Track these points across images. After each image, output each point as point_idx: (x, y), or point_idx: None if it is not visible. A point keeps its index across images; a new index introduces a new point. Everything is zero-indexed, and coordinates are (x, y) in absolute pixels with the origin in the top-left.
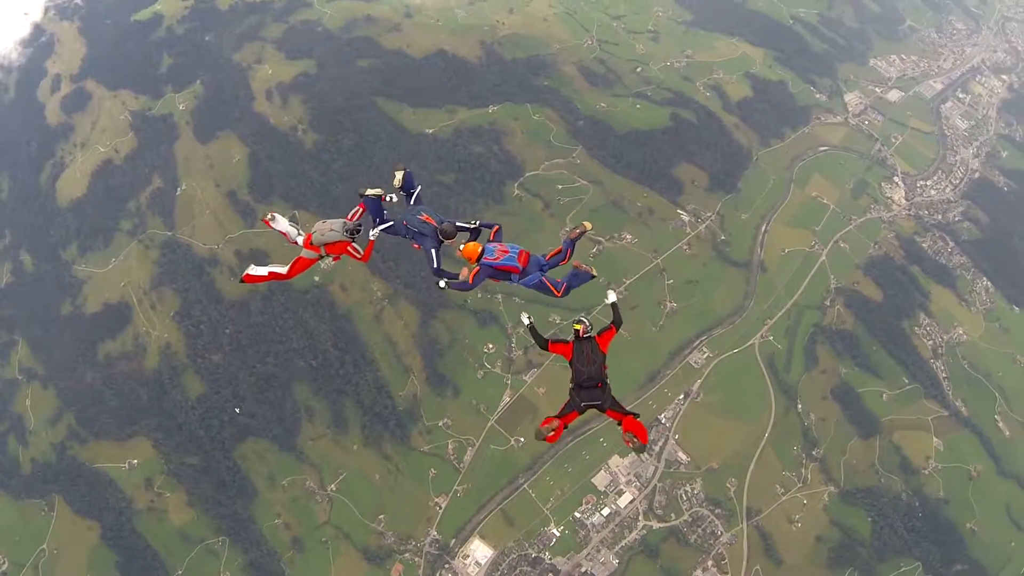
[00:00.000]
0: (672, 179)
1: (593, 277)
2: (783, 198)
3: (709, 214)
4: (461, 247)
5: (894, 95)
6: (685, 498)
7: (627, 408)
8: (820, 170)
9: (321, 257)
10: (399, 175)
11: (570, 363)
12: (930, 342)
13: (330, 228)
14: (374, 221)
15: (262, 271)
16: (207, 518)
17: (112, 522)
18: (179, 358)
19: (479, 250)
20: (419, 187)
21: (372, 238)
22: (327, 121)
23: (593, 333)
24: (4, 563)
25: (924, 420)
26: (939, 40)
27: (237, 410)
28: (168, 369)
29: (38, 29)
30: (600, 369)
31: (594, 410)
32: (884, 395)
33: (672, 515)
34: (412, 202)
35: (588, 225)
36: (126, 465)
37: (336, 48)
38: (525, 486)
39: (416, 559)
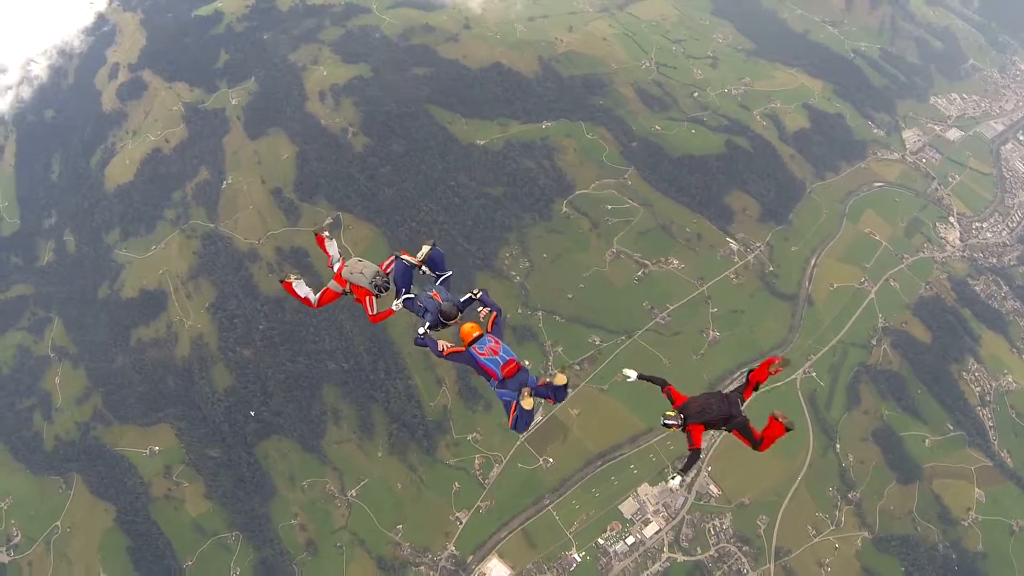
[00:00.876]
0: (723, 207)
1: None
2: (835, 233)
3: (758, 244)
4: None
5: (953, 134)
6: (713, 532)
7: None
8: (874, 206)
9: (345, 293)
10: (426, 249)
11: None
12: (978, 388)
13: (360, 271)
14: (399, 290)
15: (301, 290)
16: (223, 512)
17: (128, 506)
18: (210, 349)
19: (473, 336)
20: (451, 273)
21: (395, 310)
22: (378, 126)
23: (679, 416)
24: (17, 536)
25: (967, 469)
26: (1002, 81)
27: (252, 412)
28: (198, 360)
29: (101, 18)
30: (711, 402)
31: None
32: (927, 440)
33: (698, 549)
34: (438, 283)
35: (563, 379)
36: (147, 451)
37: (393, 54)
38: (550, 507)
39: (431, 573)
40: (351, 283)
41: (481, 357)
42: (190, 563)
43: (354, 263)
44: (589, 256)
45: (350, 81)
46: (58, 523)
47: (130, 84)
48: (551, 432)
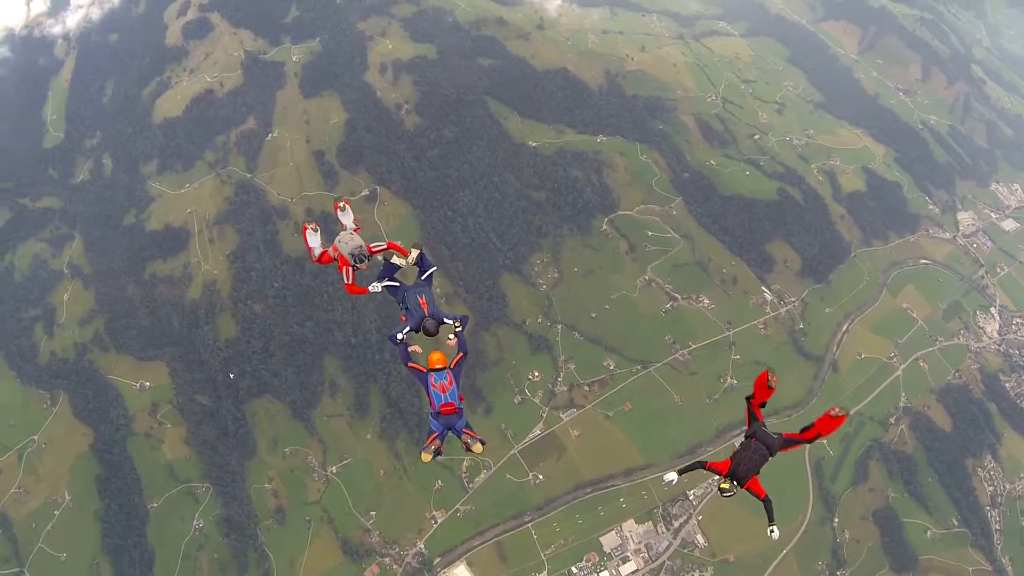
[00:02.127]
0: (764, 254)
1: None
2: (872, 302)
3: (793, 299)
4: (429, 352)
5: (1009, 224)
6: None
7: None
8: (916, 282)
9: (334, 260)
10: (414, 254)
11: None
12: (990, 488)
13: (347, 242)
14: (381, 277)
15: (312, 240)
16: (199, 461)
17: (107, 435)
18: (221, 297)
19: (436, 367)
20: (433, 268)
21: (372, 291)
22: (433, 108)
23: (726, 478)
24: None
25: (964, 569)
26: None
27: (231, 375)
28: (207, 304)
29: None
30: (754, 456)
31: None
32: (929, 532)
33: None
34: (423, 278)
35: (479, 449)
36: (138, 385)
37: (461, 41)
38: (529, 525)
39: (395, 566)
40: (340, 251)
41: (432, 388)
42: (155, 505)
43: (345, 234)
44: (620, 279)
45: (413, 59)
46: (35, 437)
47: (197, 23)
48: (546, 448)
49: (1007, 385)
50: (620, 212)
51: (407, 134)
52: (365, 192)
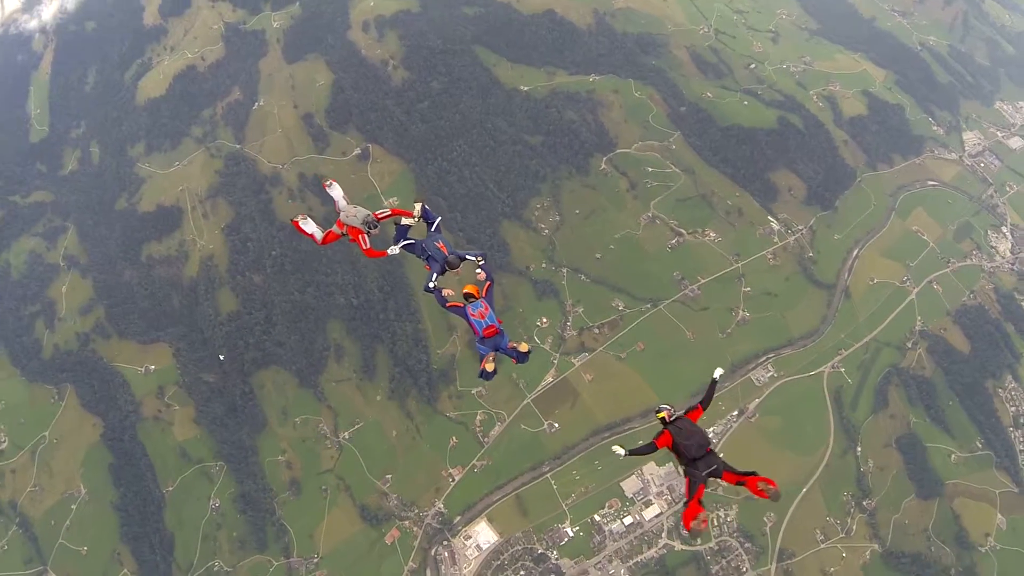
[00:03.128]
0: (768, 184)
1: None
2: (881, 226)
3: (801, 227)
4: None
5: (1016, 142)
6: (716, 524)
7: (741, 469)
8: (925, 204)
9: (343, 235)
10: (417, 208)
11: (674, 447)
12: (1013, 409)
13: (354, 215)
14: (397, 239)
15: (308, 227)
16: (209, 440)
17: (116, 423)
18: (219, 271)
19: (470, 294)
20: (439, 219)
21: (391, 253)
22: (420, 61)
23: (680, 413)
24: (4, 442)
25: (991, 492)
26: None
27: (221, 357)
28: (206, 280)
29: None
30: (704, 437)
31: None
32: (952, 456)
33: (698, 539)
34: (433, 230)
35: (526, 347)
36: (143, 369)
37: None
38: (548, 475)
39: (415, 528)
40: (347, 225)
41: (471, 316)
42: (170, 488)
43: (349, 208)
44: (623, 217)
45: (397, 14)
46: (46, 433)
47: (173, 0)
48: (560, 395)
49: (1023, 304)
50: (618, 150)
51: (395, 89)
52: (357, 151)
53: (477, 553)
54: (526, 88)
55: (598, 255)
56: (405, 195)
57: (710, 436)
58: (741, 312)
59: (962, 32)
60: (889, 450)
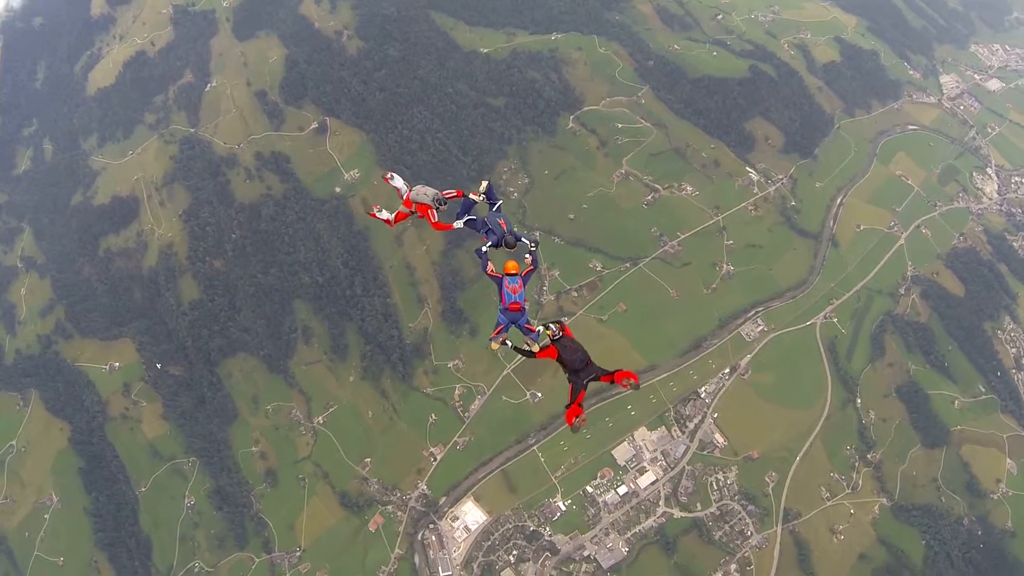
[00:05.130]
0: (744, 133)
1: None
2: (863, 172)
3: (781, 176)
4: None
5: (994, 84)
6: (716, 487)
7: (611, 369)
8: (907, 149)
9: (412, 212)
10: (484, 184)
11: (559, 360)
12: (1013, 350)
13: (424, 192)
14: (460, 215)
15: (382, 215)
16: (180, 435)
17: (84, 426)
18: (179, 260)
19: (511, 272)
20: (500, 202)
21: (455, 226)
22: (375, 29)
23: (554, 331)
24: None
25: (998, 436)
26: None
27: (158, 365)
28: (166, 270)
29: None
30: (584, 352)
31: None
32: (956, 402)
33: (698, 505)
34: (495, 209)
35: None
36: (107, 367)
37: None
38: (535, 448)
39: (399, 513)
40: (416, 202)
41: (506, 288)
42: (143, 489)
43: (418, 188)
44: (595, 176)
45: None
46: (13, 442)
47: None
48: (541, 364)
49: (1014, 244)
50: (586, 108)
51: (351, 60)
52: (314, 125)
53: (466, 535)
54: (486, 50)
55: (571, 216)
56: (365, 165)
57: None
58: (725, 266)
59: None
60: (890, 400)
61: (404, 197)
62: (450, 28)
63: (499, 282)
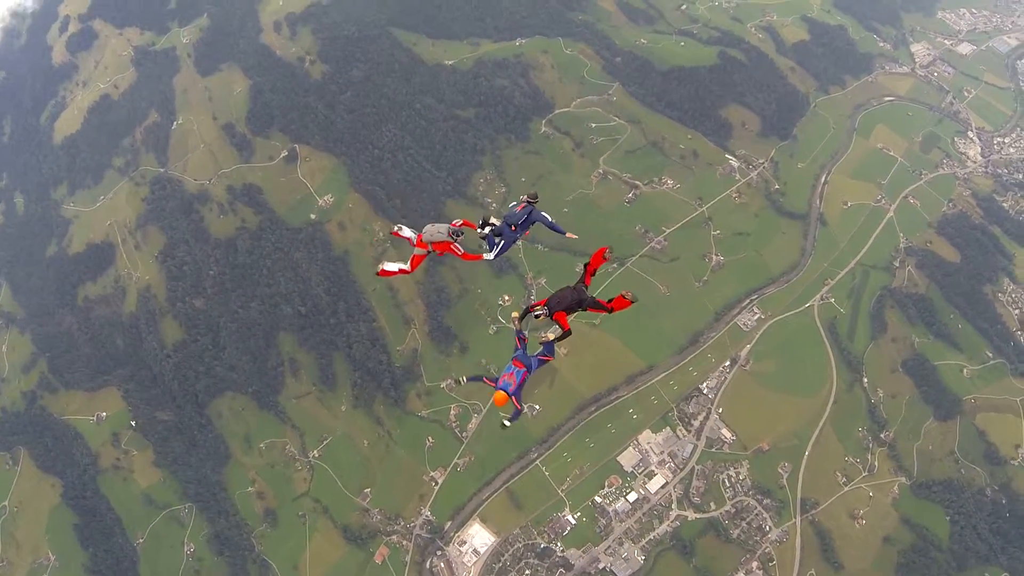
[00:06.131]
0: (720, 121)
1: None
2: (844, 148)
3: (761, 161)
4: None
5: (965, 48)
6: (728, 484)
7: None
8: (886, 120)
9: (429, 252)
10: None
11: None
12: (1016, 311)
13: (437, 231)
14: (490, 247)
15: (393, 267)
16: (174, 481)
17: (75, 480)
18: (158, 302)
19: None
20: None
21: (488, 257)
22: (337, 52)
23: (544, 312)
24: None
25: (1012, 401)
26: None
27: (132, 423)
28: (146, 314)
29: None
30: (572, 294)
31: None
32: (965, 370)
33: (712, 504)
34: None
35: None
36: (94, 418)
37: None
38: (538, 462)
39: (404, 542)
40: (432, 242)
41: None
42: (141, 540)
43: (428, 228)
44: (573, 178)
45: (307, 8)
46: (5, 503)
47: (80, 35)
48: (536, 375)
49: (1004, 204)
50: (557, 111)
51: (315, 85)
52: (284, 153)
53: (475, 558)
54: (451, 62)
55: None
56: (338, 190)
57: None
58: (714, 257)
59: None
60: (897, 375)
61: (415, 242)
62: (412, 43)
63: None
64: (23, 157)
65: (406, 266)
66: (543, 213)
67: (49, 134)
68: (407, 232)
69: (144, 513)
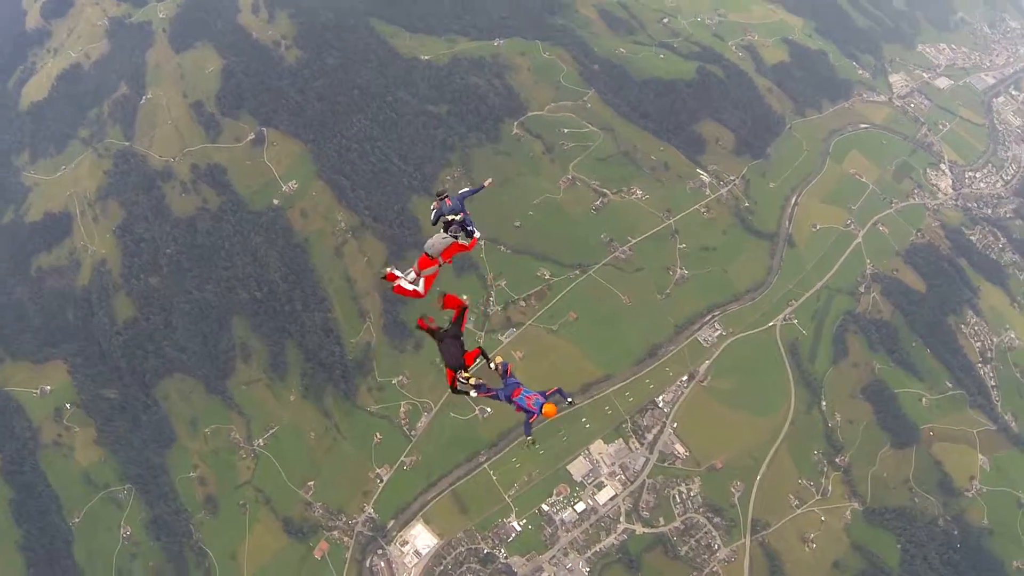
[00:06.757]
0: (693, 135)
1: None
2: (817, 171)
3: (733, 178)
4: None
5: (943, 82)
6: (679, 500)
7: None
8: (860, 147)
9: (440, 265)
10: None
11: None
12: (978, 344)
13: (437, 241)
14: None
15: (408, 287)
16: (115, 461)
17: (14, 454)
18: (113, 277)
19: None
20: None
21: (477, 235)
22: (313, 38)
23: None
24: None
25: (969, 433)
26: (992, 35)
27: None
28: (99, 288)
29: None
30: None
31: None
32: (924, 399)
33: (661, 519)
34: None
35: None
36: (38, 391)
37: None
38: (486, 466)
39: (345, 539)
40: (437, 253)
41: (525, 402)
42: (77, 520)
43: (430, 242)
44: (541, 182)
45: None
46: None
47: (56, 1)
48: (489, 378)
49: (972, 238)
50: (530, 113)
51: (289, 69)
52: (251, 136)
53: (416, 560)
54: (427, 57)
55: (517, 223)
56: (303, 177)
57: None
58: (679, 270)
59: None
60: (856, 401)
61: (419, 268)
62: (390, 36)
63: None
64: None
65: (420, 288)
66: (457, 194)
67: (16, 99)
68: (400, 272)
69: (82, 492)
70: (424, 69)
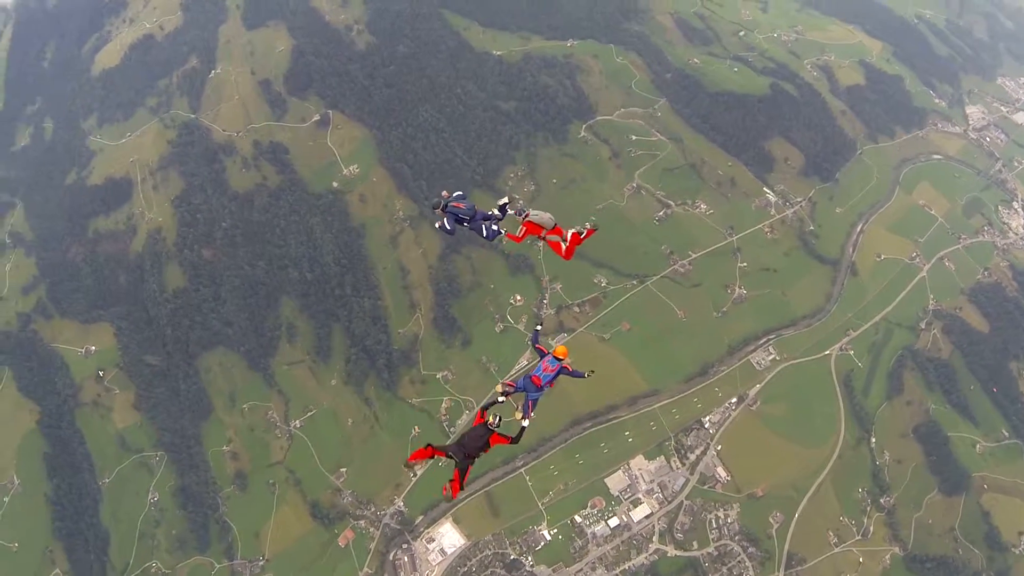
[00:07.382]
0: (762, 153)
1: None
2: (886, 200)
3: (800, 199)
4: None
5: (1021, 118)
6: (715, 525)
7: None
8: (931, 178)
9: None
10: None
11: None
12: None
13: (546, 217)
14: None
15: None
16: (151, 427)
17: (54, 409)
18: (167, 246)
19: (557, 354)
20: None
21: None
22: (386, 25)
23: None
24: None
25: (1022, 485)
26: None
27: (100, 372)
28: (152, 255)
29: None
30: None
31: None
32: (978, 445)
33: (695, 543)
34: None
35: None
36: (83, 351)
37: None
38: (522, 470)
39: (372, 529)
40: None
41: (542, 364)
42: (107, 480)
43: (541, 214)
44: (605, 187)
45: None
46: None
47: None
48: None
49: None
50: (599, 117)
51: (359, 54)
52: (316, 117)
53: (441, 558)
54: (499, 52)
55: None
56: (365, 161)
57: None
58: (737, 289)
59: (959, 6)
60: (907, 440)
61: (523, 230)
62: (463, 28)
63: (541, 354)
64: (59, 84)
65: (520, 231)
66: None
67: (88, 65)
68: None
69: (115, 454)
70: (495, 64)
